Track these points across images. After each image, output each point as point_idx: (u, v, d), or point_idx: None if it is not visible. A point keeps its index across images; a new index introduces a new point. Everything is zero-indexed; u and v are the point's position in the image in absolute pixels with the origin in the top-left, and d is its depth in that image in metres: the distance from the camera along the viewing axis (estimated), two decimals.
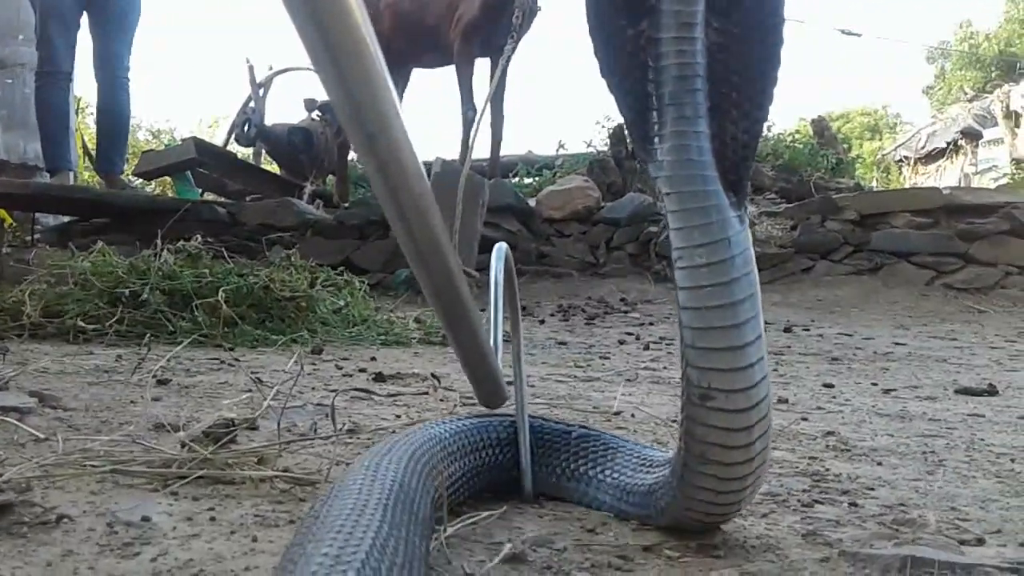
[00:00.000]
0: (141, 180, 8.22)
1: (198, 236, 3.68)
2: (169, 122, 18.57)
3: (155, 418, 1.44)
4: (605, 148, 7.81)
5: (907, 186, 21.41)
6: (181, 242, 3.60)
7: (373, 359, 2.67)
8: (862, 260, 5.88)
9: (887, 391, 2.25)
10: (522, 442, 1.11)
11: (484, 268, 5.73)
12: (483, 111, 6.29)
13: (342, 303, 3.56)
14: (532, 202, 6.11)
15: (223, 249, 3.80)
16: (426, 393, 2.02)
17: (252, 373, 2.23)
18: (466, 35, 6.41)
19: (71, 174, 7.07)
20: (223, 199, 8.50)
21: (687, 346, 0.79)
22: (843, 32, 13.65)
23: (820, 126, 8.39)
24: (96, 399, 1.73)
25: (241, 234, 6.48)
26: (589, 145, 8.16)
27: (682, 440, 0.83)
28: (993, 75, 29.89)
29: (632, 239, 5.90)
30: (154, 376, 2.07)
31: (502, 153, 7.48)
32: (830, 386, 2.33)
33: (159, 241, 3.55)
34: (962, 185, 19.74)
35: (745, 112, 0.80)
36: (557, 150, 8.55)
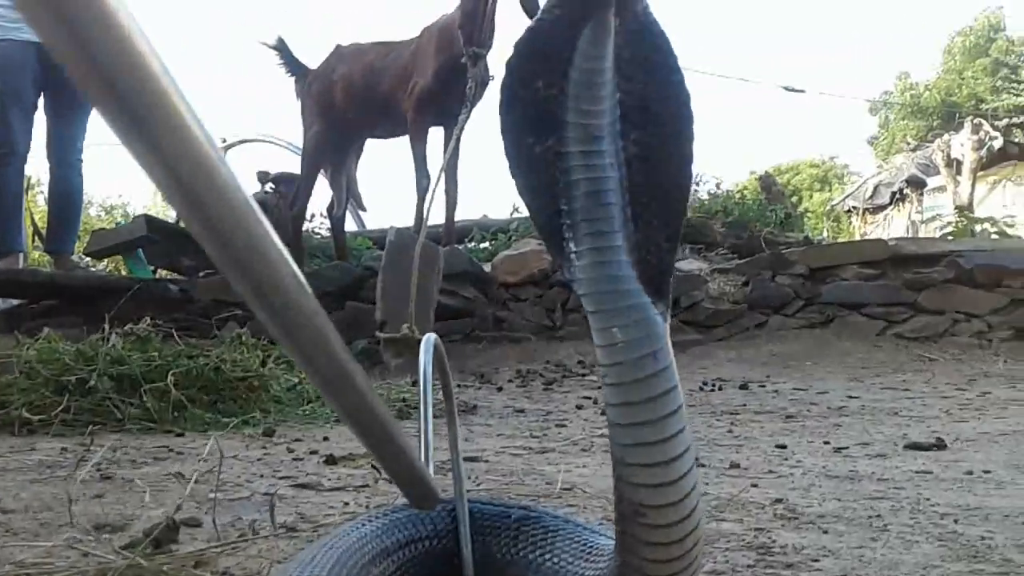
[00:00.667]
0: (90, 259, 8.14)
1: (147, 318, 3.64)
2: (121, 196, 18.44)
3: (97, 518, 1.41)
4: None
5: (857, 236, 21.88)
6: (130, 325, 3.55)
7: (326, 439, 2.64)
8: (814, 313, 5.96)
9: (839, 449, 2.27)
10: (463, 535, 1.10)
11: (443, 335, 5.71)
12: (438, 180, 6.34)
13: (296, 380, 3.52)
14: (488, 267, 6.13)
15: (174, 330, 3.76)
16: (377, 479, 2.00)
17: (200, 460, 2.19)
18: (420, 105, 6.47)
19: (21, 255, 6.98)
20: (178, 275, 8.44)
21: (617, 461, 0.80)
22: (787, 89, 14.00)
23: (767, 182, 8.57)
24: (37, 498, 1.69)
25: (194, 311, 6.42)
26: None
27: (618, 549, 0.83)
28: (935, 124, 30.86)
29: None
30: (98, 470, 2.03)
31: (457, 218, 7.53)
32: (782, 447, 2.35)
33: (107, 325, 3.50)
34: (910, 233, 20.17)
35: (666, 220, 0.82)
36: (511, 213, 8.61)
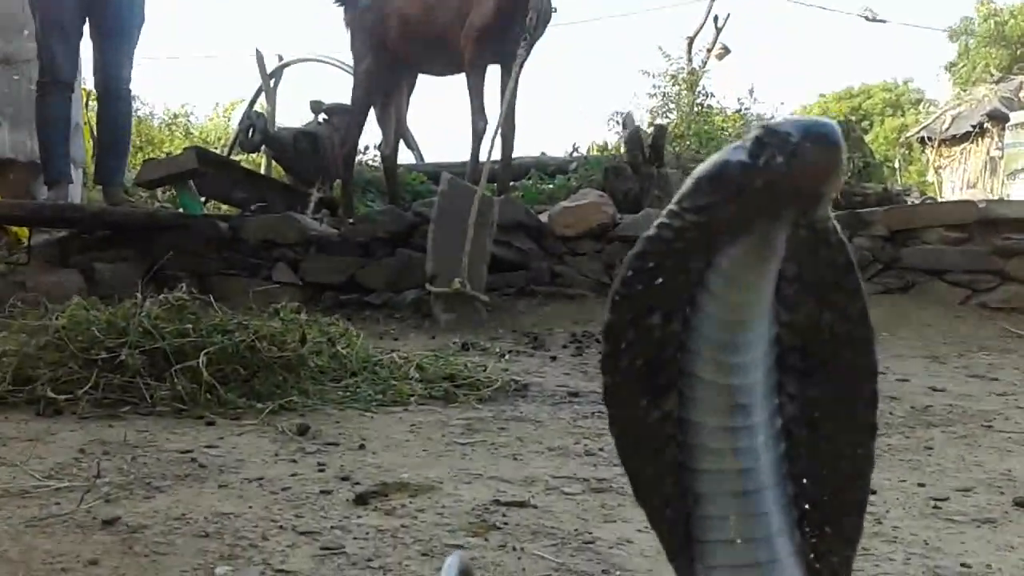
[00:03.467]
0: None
1: (183, 285, 3.43)
2: (185, 106, 18.34)
3: None
4: (621, 152, 7.53)
5: (930, 170, 20.94)
6: (165, 292, 3.36)
7: (362, 446, 2.42)
8: (892, 278, 5.58)
9: (937, 505, 1.98)
10: None
11: (495, 289, 5.47)
12: (499, 124, 6.02)
13: (334, 366, 3.31)
14: (544, 218, 5.83)
15: (222, 271, 3.55)
16: (416, 516, 1.78)
17: (220, 485, 1.99)
18: (478, 41, 6.11)
19: (70, 186, 6.86)
20: (229, 207, 8.29)
21: None
22: (868, 19, 13.20)
23: (846, 128, 8.05)
24: (25, 556, 1.50)
25: (243, 250, 6.26)
26: (605, 150, 7.87)
27: None
28: (1018, 53, 29.15)
29: None
30: (106, 500, 1.84)
31: (513, 155, 7.21)
32: (872, 492, 2.06)
33: (140, 293, 3.31)
34: (987, 170, 19.23)
35: (844, 517, 0.59)
36: (571, 152, 8.25)
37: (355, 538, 1.64)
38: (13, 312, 3.51)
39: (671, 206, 0.64)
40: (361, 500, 1.86)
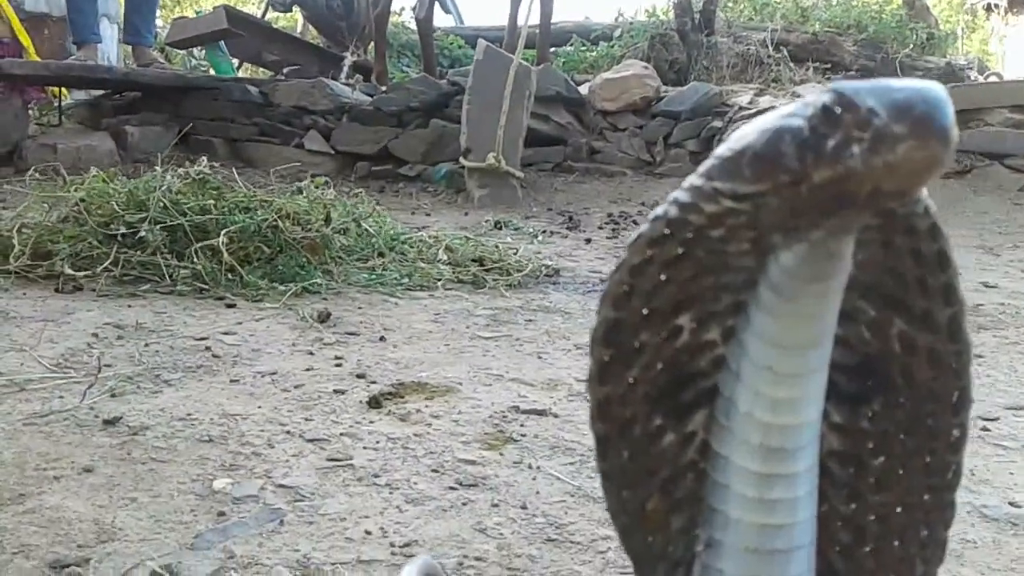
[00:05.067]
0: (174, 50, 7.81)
1: (203, 158, 3.31)
2: None
3: (56, 556, 1.14)
4: (669, 18, 7.14)
5: (995, 39, 19.82)
6: (187, 165, 3.24)
7: (382, 338, 2.33)
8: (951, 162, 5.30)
9: (986, 424, 1.85)
10: None
11: (531, 164, 5.31)
12: None
13: (361, 244, 3.20)
14: (584, 90, 5.57)
15: (235, 172, 3.43)
16: (431, 424, 1.70)
17: (231, 379, 1.92)
18: None
19: (105, 43, 6.69)
20: (262, 69, 8.08)
21: None
22: None
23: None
24: (19, 459, 1.44)
25: (275, 116, 6.12)
26: (652, 15, 7.47)
27: None
28: None
29: (693, 135, 5.37)
30: (112, 395, 1.77)
31: (553, 20, 6.87)
32: None
33: (159, 166, 3.20)
34: None
35: None
36: (616, 18, 7.84)
37: (364, 447, 1.56)
38: (37, 179, 3.42)
39: (700, 180, 0.49)
40: (375, 403, 1.78)
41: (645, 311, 0.50)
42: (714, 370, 0.50)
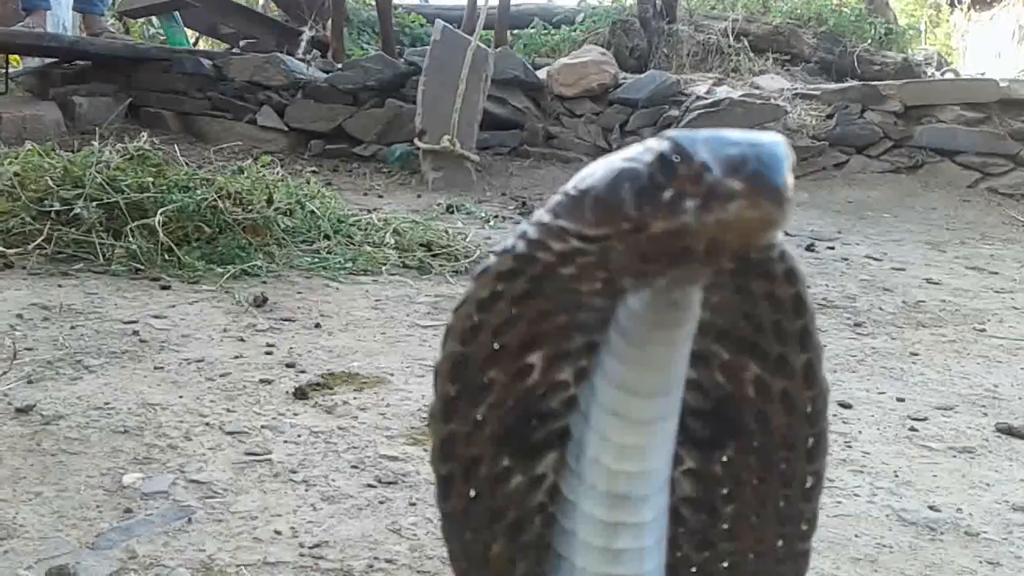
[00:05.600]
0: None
1: (144, 134, 3.23)
2: None
3: None
4: (632, 4, 7.11)
5: (957, 36, 20.06)
6: (134, 139, 3.16)
7: (318, 325, 2.30)
8: (902, 157, 5.35)
9: (915, 426, 1.86)
10: None
11: (487, 148, 5.25)
12: None
13: (307, 226, 3.14)
14: (542, 75, 5.53)
15: (175, 150, 3.35)
16: (357, 416, 1.67)
17: (156, 366, 1.87)
18: None
19: (47, 14, 6.50)
20: (217, 41, 7.92)
21: None
22: None
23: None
24: None
25: (228, 91, 6.00)
26: (615, 0, 7.44)
27: None
28: None
29: (650, 123, 5.36)
30: (28, 381, 1.72)
31: (516, 2, 6.81)
32: (846, 406, 1.96)
33: (96, 140, 3.12)
34: (1016, 38, 18.47)
35: None
36: (579, 2, 7.80)
37: (285, 441, 1.53)
38: None
39: (547, 217, 0.46)
40: (301, 394, 1.75)
41: (494, 347, 0.48)
42: (566, 411, 0.48)
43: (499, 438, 0.48)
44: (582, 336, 0.48)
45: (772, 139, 0.40)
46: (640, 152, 0.42)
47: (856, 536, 1.33)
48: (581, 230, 0.44)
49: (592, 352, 0.48)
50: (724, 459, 0.49)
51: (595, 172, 0.44)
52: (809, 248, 4.02)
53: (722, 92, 5.52)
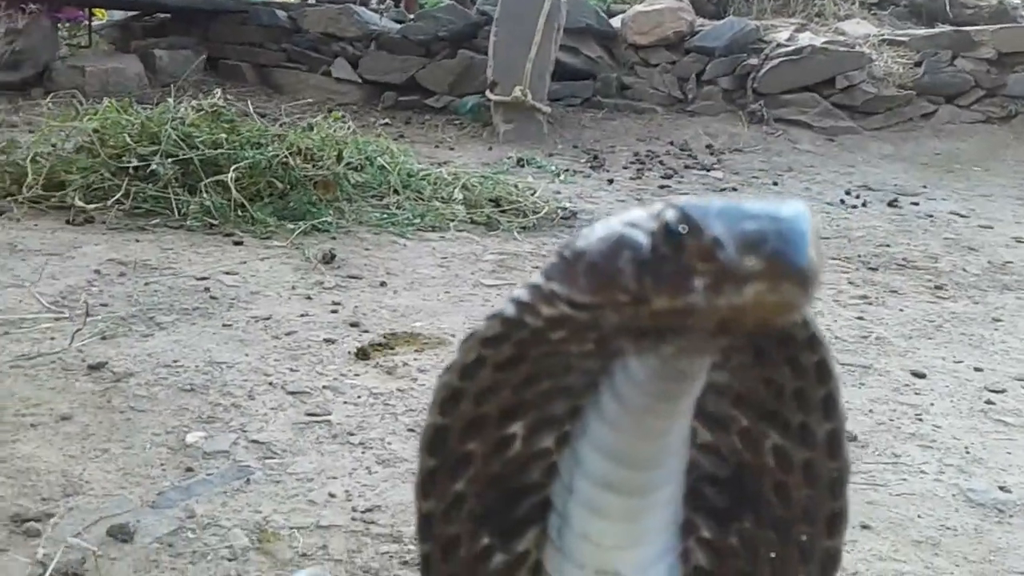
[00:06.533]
0: None
1: (217, 90, 3.27)
2: None
3: (19, 510, 1.15)
4: None
5: None
6: (199, 97, 3.21)
7: (384, 283, 2.31)
8: (994, 107, 5.10)
9: (990, 399, 1.79)
10: None
11: (559, 99, 5.18)
12: None
13: (378, 181, 3.16)
14: (616, 23, 5.41)
15: (249, 105, 3.39)
16: (416, 379, 1.69)
17: (224, 324, 1.91)
18: None
19: None
20: None
21: None
22: None
23: None
24: (1, 405, 1.45)
25: (302, 42, 6.02)
26: None
27: None
28: None
29: (727, 72, 5.21)
30: (103, 337, 1.78)
31: None
32: (920, 376, 1.89)
33: (171, 98, 3.17)
34: None
35: None
36: None
37: (345, 402, 1.56)
38: (50, 107, 3.41)
39: (540, 279, 0.44)
40: (363, 354, 1.77)
41: (474, 417, 0.46)
42: (547, 481, 0.47)
43: (478, 516, 0.47)
44: (567, 400, 0.46)
45: (794, 211, 0.37)
46: (644, 218, 0.39)
47: (919, 517, 1.30)
48: (572, 296, 0.42)
49: (576, 415, 0.46)
50: (741, 530, 0.47)
51: (593, 235, 0.41)
52: (891, 204, 3.88)
53: (804, 39, 5.32)
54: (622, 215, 0.41)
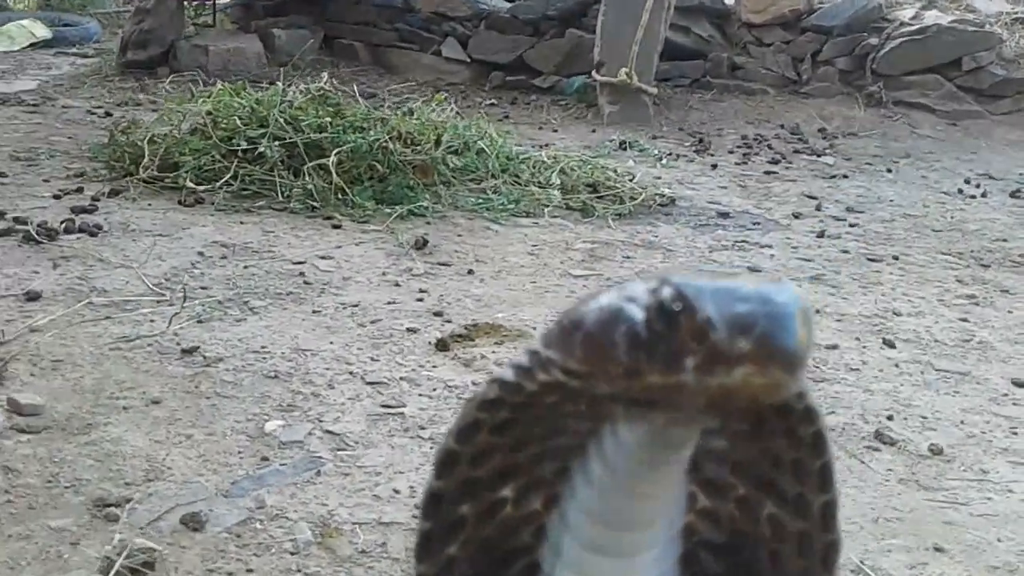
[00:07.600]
0: None
1: (324, 75, 3.35)
2: None
3: (102, 494, 1.22)
4: None
5: None
6: (314, 78, 3.29)
7: (471, 271, 2.34)
8: None
9: None
10: None
11: (667, 79, 5.09)
12: None
13: (477, 164, 3.19)
14: (729, 0, 5.27)
15: (355, 89, 3.46)
16: (493, 371, 1.70)
17: (314, 310, 1.97)
18: None
19: None
20: None
21: None
22: None
23: None
24: (97, 385, 1.54)
25: (414, 22, 6.09)
26: None
27: None
28: None
29: (845, 52, 5.01)
30: (199, 321, 1.86)
31: None
32: (1021, 385, 1.80)
33: (280, 81, 3.26)
34: None
35: None
36: None
37: (420, 395, 1.59)
38: (168, 89, 3.56)
39: (538, 347, 0.44)
40: (443, 345, 1.80)
41: (467, 480, 0.47)
42: (536, 543, 0.47)
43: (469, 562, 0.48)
44: (556, 462, 0.46)
45: (784, 295, 0.38)
46: (641, 293, 0.40)
47: (999, 540, 1.24)
48: (567, 364, 0.43)
49: (563, 476, 0.46)
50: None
51: (592, 303, 0.42)
52: (1014, 195, 3.69)
53: (930, 17, 5.06)
54: (621, 287, 0.42)
